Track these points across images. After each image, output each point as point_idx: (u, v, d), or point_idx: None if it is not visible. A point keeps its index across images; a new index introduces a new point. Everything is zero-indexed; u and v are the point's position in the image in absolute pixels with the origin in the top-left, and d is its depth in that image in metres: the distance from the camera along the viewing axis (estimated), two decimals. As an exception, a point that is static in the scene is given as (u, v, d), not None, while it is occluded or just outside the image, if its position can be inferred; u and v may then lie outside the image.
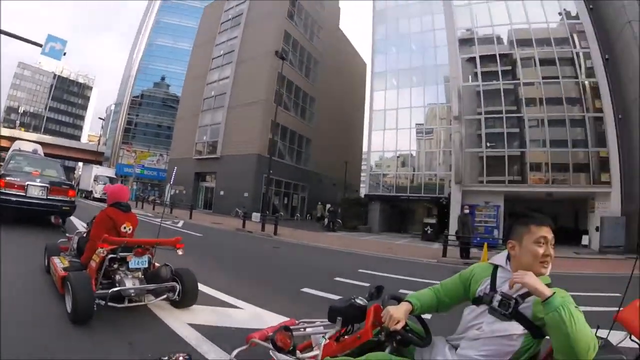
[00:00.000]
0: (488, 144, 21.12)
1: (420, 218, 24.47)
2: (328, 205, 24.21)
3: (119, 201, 3.91)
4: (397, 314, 1.62)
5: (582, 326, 1.25)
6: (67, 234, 5.20)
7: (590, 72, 19.55)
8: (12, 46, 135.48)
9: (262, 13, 29.92)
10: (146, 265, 3.60)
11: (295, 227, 19.68)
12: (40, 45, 12.96)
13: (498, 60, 21.59)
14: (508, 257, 1.69)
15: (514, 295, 1.50)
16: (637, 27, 17.55)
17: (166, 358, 1.96)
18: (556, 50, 20.36)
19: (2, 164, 9.50)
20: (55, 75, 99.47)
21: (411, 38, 26.82)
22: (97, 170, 32.96)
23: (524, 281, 1.41)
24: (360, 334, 1.70)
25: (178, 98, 49.84)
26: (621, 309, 1.78)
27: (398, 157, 26.31)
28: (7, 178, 7.60)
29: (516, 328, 1.49)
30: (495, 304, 1.53)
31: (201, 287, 3.98)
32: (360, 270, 7.78)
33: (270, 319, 3.46)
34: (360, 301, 1.86)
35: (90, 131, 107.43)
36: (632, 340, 1.70)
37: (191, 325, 3.26)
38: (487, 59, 21.98)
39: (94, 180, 30.06)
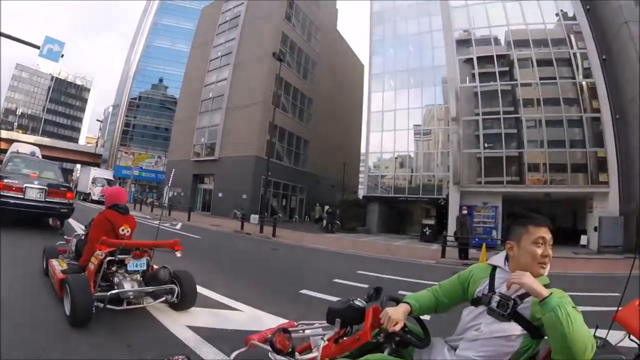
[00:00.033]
0: (486, 145, 21.18)
1: (419, 219, 24.51)
2: (326, 207, 24.22)
3: (117, 203, 3.90)
4: (395, 315, 1.62)
5: (579, 326, 1.25)
6: (65, 237, 5.18)
7: (587, 73, 19.63)
8: (10, 48, 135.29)
9: (260, 15, 29.95)
10: (144, 268, 3.59)
11: (294, 229, 19.66)
12: (38, 47, 12.92)
13: (495, 61, 21.65)
14: (506, 258, 1.69)
15: (513, 296, 1.50)
16: (634, 28, 17.65)
17: (165, 360, 1.96)
18: (553, 51, 20.44)
19: (0, 166, 9.47)
20: (53, 77, 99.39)
21: (409, 39, 26.89)
22: (95, 172, 32.85)
23: (521, 281, 1.41)
24: (359, 335, 1.70)
25: (176, 100, 49.79)
26: (620, 308, 1.79)
27: (396, 158, 26.34)
28: (5, 180, 7.56)
29: (515, 329, 1.48)
30: (493, 304, 1.52)
31: (200, 289, 3.97)
32: (358, 272, 7.78)
33: (269, 321, 3.46)
34: (359, 303, 1.86)
35: (88, 133, 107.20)
36: (631, 340, 1.71)
37: (190, 327, 3.25)
38: (484, 60, 22.03)
39: (92, 183, 29.96)
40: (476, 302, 1.67)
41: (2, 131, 51.23)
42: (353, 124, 40.87)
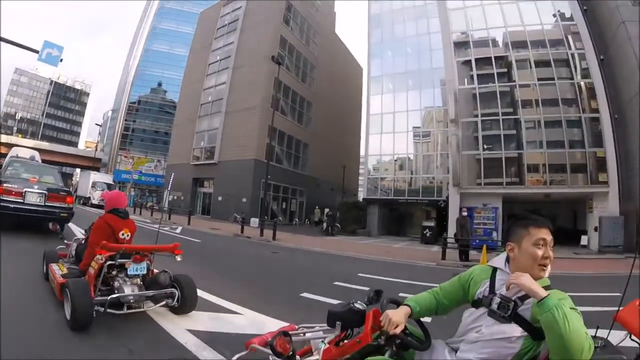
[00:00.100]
0: (485, 146, 21.22)
1: (419, 221, 24.52)
2: (326, 210, 24.19)
3: (117, 207, 3.90)
4: (396, 318, 1.62)
5: (576, 327, 1.25)
6: (65, 241, 5.18)
7: (585, 73, 19.72)
8: (9, 52, 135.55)
9: (258, 18, 30.05)
10: (145, 272, 3.58)
11: (294, 232, 19.64)
12: (37, 52, 12.90)
13: (493, 63, 21.72)
14: (507, 260, 1.69)
15: (513, 298, 1.50)
16: (631, 28, 17.72)
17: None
18: (551, 52, 20.52)
19: (-1, 171, 9.48)
20: (52, 81, 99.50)
21: (407, 42, 26.98)
22: (94, 176, 32.80)
23: (519, 282, 1.41)
24: (359, 338, 1.70)
25: (175, 104, 49.83)
26: (621, 308, 1.79)
27: (396, 160, 26.37)
28: (5, 185, 7.57)
29: (516, 330, 1.48)
30: (494, 306, 1.52)
31: (200, 293, 3.97)
32: (359, 274, 7.77)
33: (269, 325, 3.45)
34: (359, 305, 1.86)
35: (88, 137, 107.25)
36: (632, 340, 1.71)
37: (190, 331, 3.24)
38: (482, 61, 22.12)
39: (92, 187, 29.92)
40: (477, 303, 1.66)
41: (1, 135, 51.19)
42: (352, 126, 40.90)
